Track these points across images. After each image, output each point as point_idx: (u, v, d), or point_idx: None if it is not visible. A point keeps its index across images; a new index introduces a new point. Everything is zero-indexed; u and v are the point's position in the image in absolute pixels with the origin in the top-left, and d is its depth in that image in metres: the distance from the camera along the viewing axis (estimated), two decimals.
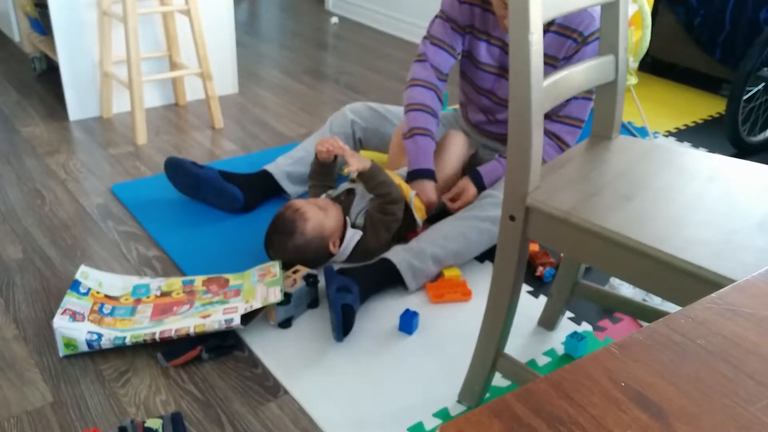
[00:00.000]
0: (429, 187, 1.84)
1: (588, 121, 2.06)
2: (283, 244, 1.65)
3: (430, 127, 1.85)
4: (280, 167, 2.00)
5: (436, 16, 1.88)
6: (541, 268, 1.76)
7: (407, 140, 1.85)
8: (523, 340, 1.53)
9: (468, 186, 1.86)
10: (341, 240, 1.72)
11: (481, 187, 1.86)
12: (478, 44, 1.87)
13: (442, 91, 1.89)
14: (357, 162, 1.70)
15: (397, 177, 1.82)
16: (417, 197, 1.81)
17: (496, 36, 1.84)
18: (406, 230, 1.81)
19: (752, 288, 0.57)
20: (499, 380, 1.40)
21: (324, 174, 1.86)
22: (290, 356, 1.45)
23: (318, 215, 1.67)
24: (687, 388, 0.46)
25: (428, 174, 1.84)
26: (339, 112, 2.13)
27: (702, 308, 0.55)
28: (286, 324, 1.53)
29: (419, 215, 1.81)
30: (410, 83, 1.90)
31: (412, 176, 1.84)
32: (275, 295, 1.48)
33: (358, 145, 2.14)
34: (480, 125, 2.06)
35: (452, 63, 1.89)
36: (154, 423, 1.24)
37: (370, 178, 1.71)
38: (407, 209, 1.78)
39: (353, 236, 1.72)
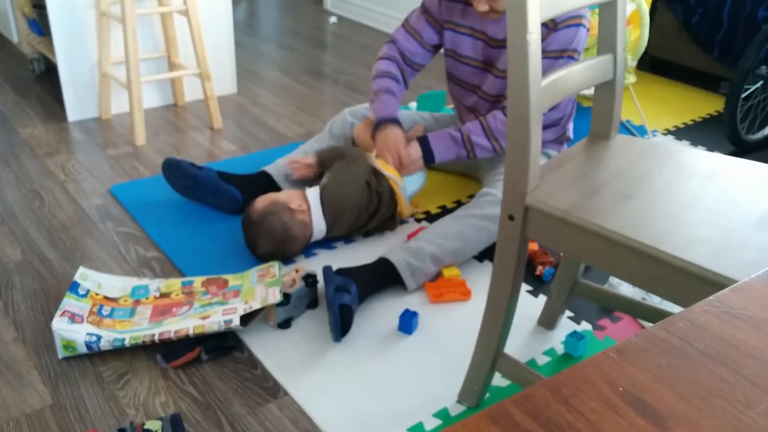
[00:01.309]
0: (394, 132, 1.84)
1: (587, 118, 2.06)
2: (253, 233, 1.72)
3: (393, 89, 1.90)
4: (279, 168, 2.00)
5: (417, 8, 1.96)
6: (540, 268, 1.75)
7: (372, 104, 1.91)
8: (523, 340, 1.53)
9: (414, 144, 1.86)
10: (308, 208, 1.76)
11: (426, 148, 1.85)
12: (461, 39, 1.90)
13: (407, 73, 1.96)
14: (311, 161, 1.94)
15: (388, 167, 1.86)
16: (380, 159, 1.86)
17: (480, 29, 1.86)
18: (388, 209, 1.85)
19: (750, 290, 0.57)
20: (498, 380, 1.40)
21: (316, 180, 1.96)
22: (290, 357, 1.45)
23: (261, 197, 1.77)
24: (685, 393, 0.46)
25: (392, 120, 1.87)
26: (339, 115, 2.13)
27: (700, 311, 0.54)
28: (285, 325, 1.53)
29: (387, 170, 1.84)
30: (378, 59, 1.98)
31: (377, 127, 1.87)
32: (274, 296, 1.48)
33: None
34: None
35: (421, 53, 1.95)
36: (153, 425, 1.24)
37: (322, 166, 1.91)
38: (394, 199, 1.85)
39: (314, 193, 1.78)
